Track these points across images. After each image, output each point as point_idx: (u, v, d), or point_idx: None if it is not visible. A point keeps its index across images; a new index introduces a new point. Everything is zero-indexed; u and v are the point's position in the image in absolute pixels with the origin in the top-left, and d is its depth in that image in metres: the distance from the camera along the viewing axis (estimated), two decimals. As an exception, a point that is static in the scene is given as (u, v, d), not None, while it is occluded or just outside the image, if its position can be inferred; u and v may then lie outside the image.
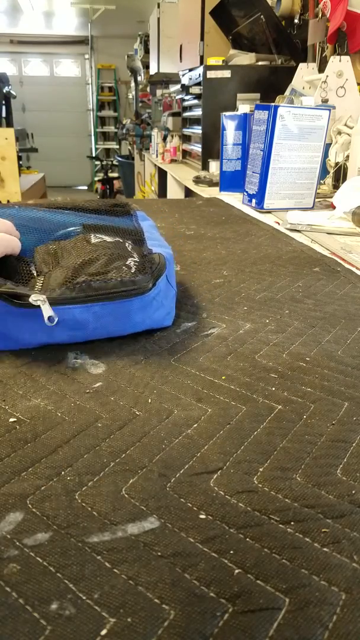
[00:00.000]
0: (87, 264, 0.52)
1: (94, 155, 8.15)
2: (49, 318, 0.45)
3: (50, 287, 0.48)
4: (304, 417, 0.40)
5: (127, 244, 0.58)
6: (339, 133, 1.52)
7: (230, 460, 0.35)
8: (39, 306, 0.45)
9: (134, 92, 5.14)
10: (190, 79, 2.51)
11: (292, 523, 0.30)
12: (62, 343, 0.50)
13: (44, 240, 0.61)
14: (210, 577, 0.26)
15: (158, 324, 0.54)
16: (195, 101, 2.46)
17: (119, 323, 0.50)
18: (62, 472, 0.34)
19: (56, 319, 0.45)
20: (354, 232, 1.05)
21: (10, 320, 0.48)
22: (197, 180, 1.97)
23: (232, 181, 1.64)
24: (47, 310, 0.45)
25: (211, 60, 2.32)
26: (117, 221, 0.67)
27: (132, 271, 0.50)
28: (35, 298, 0.45)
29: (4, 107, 3.40)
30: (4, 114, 3.43)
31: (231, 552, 0.27)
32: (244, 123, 1.59)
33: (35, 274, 0.54)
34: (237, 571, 0.26)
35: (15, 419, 0.40)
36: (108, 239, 0.58)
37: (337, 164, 1.50)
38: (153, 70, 4.36)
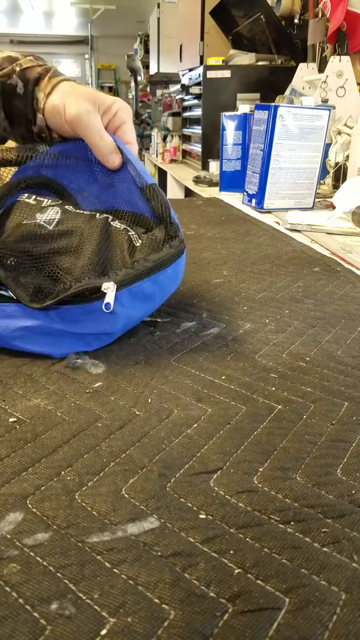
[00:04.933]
0: (106, 248, 0.50)
1: (94, 155, 8.14)
2: (106, 305, 0.45)
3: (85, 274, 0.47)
4: (304, 417, 0.40)
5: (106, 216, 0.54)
6: (339, 133, 1.52)
7: (230, 460, 0.35)
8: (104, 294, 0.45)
9: (134, 92, 5.13)
10: (190, 79, 2.51)
11: (292, 523, 0.30)
12: (131, 323, 0.51)
13: None
14: (210, 577, 0.26)
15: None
16: (195, 101, 2.46)
17: (173, 284, 0.52)
18: (62, 472, 0.34)
19: (112, 307, 0.45)
20: (354, 232, 1.05)
21: (88, 320, 0.47)
22: (197, 180, 1.97)
23: (232, 181, 1.64)
24: (110, 297, 0.45)
25: (211, 60, 2.32)
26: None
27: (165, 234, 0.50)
28: (106, 286, 0.45)
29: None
30: (4, 114, 3.42)
31: (231, 552, 0.27)
32: (244, 123, 1.58)
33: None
34: (237, 571, 0.26)
35: (15, 419, 0.40)
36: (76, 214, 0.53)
37: (337, 164, 1.50)
38: (153, 70, 4.36)
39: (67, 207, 0.54)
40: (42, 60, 0.59)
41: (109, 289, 0.45)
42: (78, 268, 0.49)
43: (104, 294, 0.45)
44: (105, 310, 0.45)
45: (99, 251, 0.49)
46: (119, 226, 0.53)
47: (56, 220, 0.52)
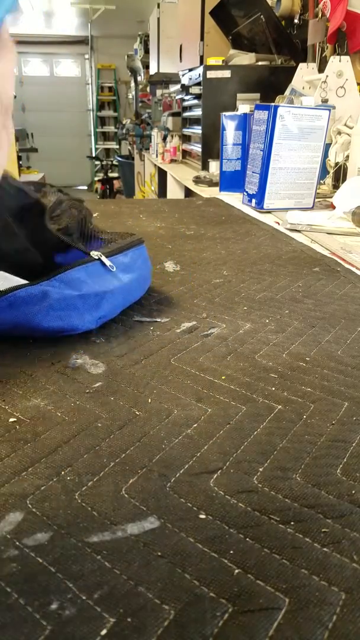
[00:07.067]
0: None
1: (93, 155, 8.14)
2: (110, 266, 0.57)
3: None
4: (304, 417, 0.40)
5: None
6: (339, 133, 1.52)
7: (230, 460, 0.35)
8: (99, 259, 0.57)
9: (134, 92, 5.13)
10: (190, 79, 2.51)
11: (292, 523, 0.30)
12: (128, 290, 0.60)
13: None
14: (210, 577, 0.26)
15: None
16: (195, 101, 2.46)
17: (144, 267, 0.64)
18: (62, 472, 0.34)
19: (114, 267, 0.58)
20: (354, 232, 1.05)
21: (91, 281, 0.55)
22: (197, 180, 1.97)
23: (232, 181, 1.64)
24: (106, 261, 0.57)
25: (211, 60, 2.32)
26: None
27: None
28: (95, 254, 0.56)
29: (4, 107, 3.40)
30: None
31: (231, 552, 0.27)
32: (244, 123, 1.58)
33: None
34: (237, 571, 0.26)
35: (15, 419, 0.40)
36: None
37: (337, 164, 1.50)
38: (153, 70, 4.36)
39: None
40: None
41: (100, 255, 0.56)
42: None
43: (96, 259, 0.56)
44: (111, 269, 0.57)
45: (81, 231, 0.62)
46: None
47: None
